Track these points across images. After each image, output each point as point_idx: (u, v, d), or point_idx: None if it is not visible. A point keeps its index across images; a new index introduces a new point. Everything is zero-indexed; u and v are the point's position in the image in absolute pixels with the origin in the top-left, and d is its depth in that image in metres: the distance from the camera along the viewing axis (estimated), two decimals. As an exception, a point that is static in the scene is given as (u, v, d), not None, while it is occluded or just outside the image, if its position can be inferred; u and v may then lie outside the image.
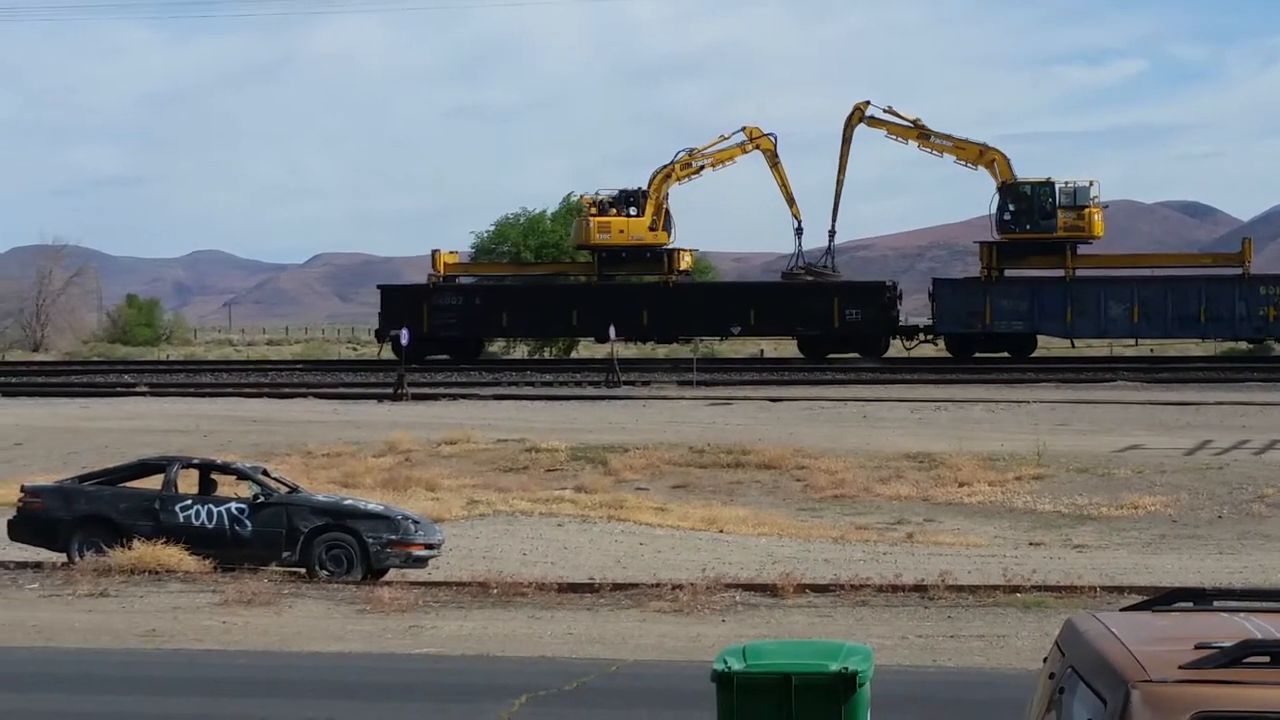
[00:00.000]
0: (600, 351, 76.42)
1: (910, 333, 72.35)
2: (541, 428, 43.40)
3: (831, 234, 74.68)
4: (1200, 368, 64.84)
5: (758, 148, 74.26)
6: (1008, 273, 71.43)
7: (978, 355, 69.12)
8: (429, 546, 25.25)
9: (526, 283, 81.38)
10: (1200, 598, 7.00)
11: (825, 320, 70.29)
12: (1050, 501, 32.80)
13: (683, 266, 75.21)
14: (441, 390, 56.83)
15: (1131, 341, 73.67)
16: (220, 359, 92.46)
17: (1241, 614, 6.62)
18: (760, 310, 72.21)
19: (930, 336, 71.85)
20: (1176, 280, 70.45)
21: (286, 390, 57.51)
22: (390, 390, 55.00)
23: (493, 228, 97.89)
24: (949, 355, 70.37)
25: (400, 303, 74.79)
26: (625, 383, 59.19)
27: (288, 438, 41.72)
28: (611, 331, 64.37)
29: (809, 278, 74.47)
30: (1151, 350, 75.74)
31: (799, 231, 74.92)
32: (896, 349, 72.38)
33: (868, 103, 73.47)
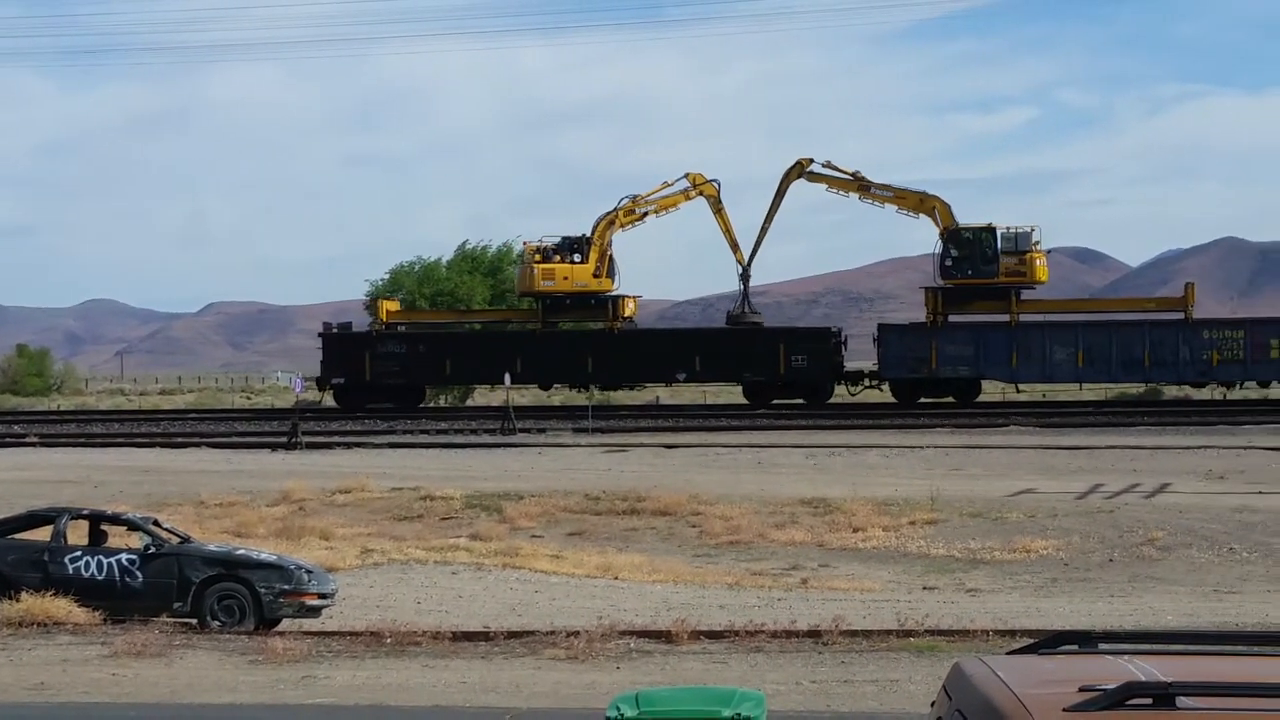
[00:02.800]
0: (496, 399, 76.24)
1: (855, 378, 72.34)
2: (436, 476, 43.27)
3: (746, 278, 74.71)
4: (1091, 412, 65.42)
5: (701, 194, 74.35)
6: (952, 318, 71.60)
7: (923, 400, 69.30)
8: (322, 596, 25.06)
9: (470, 330, 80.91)
10: (1085, 641, 7.04)
11: (771, 366, 70.22)
12: (944, 546, 32.95)
13: (627, 313, 75.02)
14: (336, 439, 56.54)
15: (1076, 386, 74.02)
16: (112, 408, 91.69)
17: (1126, 656, 6.67)
18: (705, 357, 72.03)
19: (875, 382, 71.85)
20: (1121, 325, 70.80)
21: (179, 440, 57.07)
22: (284, 439, 54.67)
23: (387, 275, 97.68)
24: (894, 400, 70.37)
25: (342, 350, 74.20)
26: (521, 430, 59.11)
27: (180, 488, 41.37)
28: (507, 379, 64.21)
29: (755, 319, 74.59)
30: (1104, 393, 76.44)
31: (744, 277, 74.91)
32: (842, 395, 72.46)
33: (810, 160, 73.61)
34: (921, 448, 49.72)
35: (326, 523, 35.69)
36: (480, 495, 39.24)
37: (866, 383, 71.82)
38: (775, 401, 69.93)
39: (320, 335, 75.17)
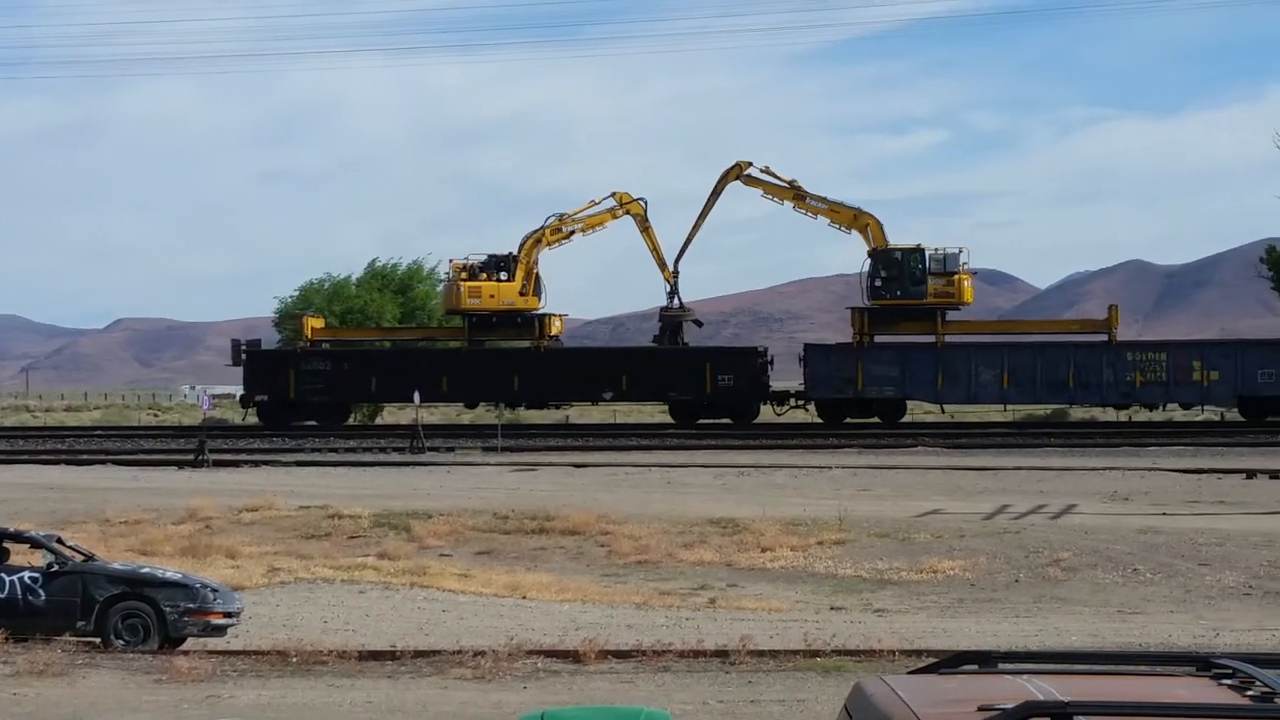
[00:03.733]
0: (406, 418, 76.00)
1: (781, 398, 72.36)
2: (344, 494, 43.09)
3: (675, 274, 74.55)
4: (999, 433, 65.83)
5: (628, 213, 74.37)
6: (878, 338, 71.76)
7: (849, 420, 69.41)
8: (228, 615, 24.89)
9: (396, 348, 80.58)
10: (986, 660, 7.09)
11: (698, 386, 70.25)
12: (851, 566, 33.05)
13: (553, 331, 74.93)
14: (244, 457, 56.23)
15: (1001, 407, 74.44)
16: (17, 425, 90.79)
17: (1026, 676, 6.71)
18: (633, 376, 71.97)
19: (801, 402, 71.87)
20: (1046, 347, 71.31)
21: (85, 457, 56.58)
22: (192, 457, 54.30)
23: (297, 292, 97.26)
24: (820, 421, 70.45)
25: (267, 367, 73.76)
26: (430, 449, 58.94)
27: (85, 505, 40.99)
28: (416, 397, 64.03)
29: (692, 320, 74.50)
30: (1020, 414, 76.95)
31: (672, 294, 74.83)
32: (768, 414, 72.51)
33: (749, 162, 73.73)
34: (829, 468, 49.91)
35: (233, 541, 35.45)
36: (389, 514, 39.08)
37: (792, 403, 71.96)
38: (701, 421, 70.04)
39: (243, 353, 74.68)
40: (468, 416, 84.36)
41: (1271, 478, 46.33)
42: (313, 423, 71.19)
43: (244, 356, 74.00)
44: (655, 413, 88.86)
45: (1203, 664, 6.88)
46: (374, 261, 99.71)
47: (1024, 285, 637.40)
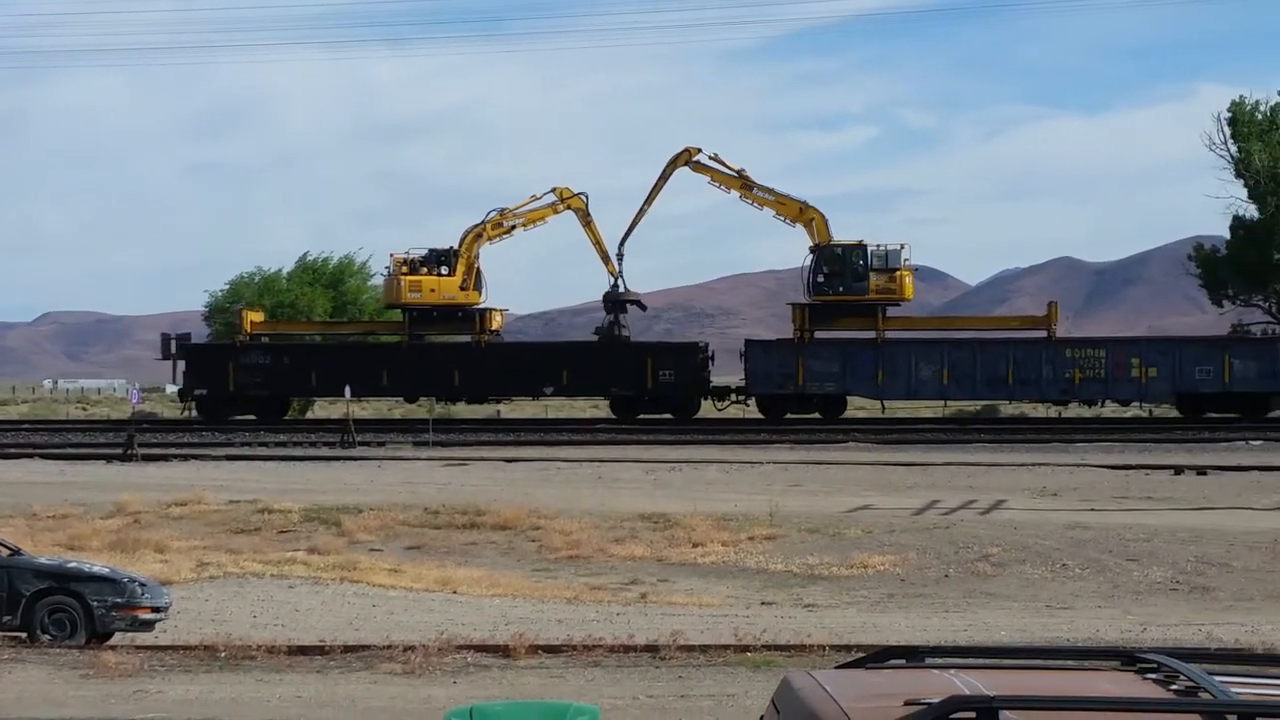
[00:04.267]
0: (339, 412, 75.77)
1: (722, 394, 72.41)
2: (275, 489, 42.92)
3: (620, 256, 74.39)
4: (929, 429, 66.08)
5: (569, 207, 74.09)
6: (819, 334, 71.78)
7: (789, 416, 69.49)
8: (156, 609, 24.77)
9: (336, 342, 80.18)
10: (913, 655, 7.11)
11: (638, 380, 70.12)
12: (782, 561, 33.13)
13: (494, 326, 74.72)
14: (173, 451, 55.91)
15: (941, 403, 74.65)
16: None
17: (953, 671, 6.73)
18: (574, 370, 71.71)
19: (742, 398, 71.92)
20: (986, 343, 71.32)
21: (12, 451, 56.11)
22: (120, 451, 53.98)
23: (227, 286, 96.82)
24: (760, 416, 70.49)
25: (206, 361, 73.36)
26: (361, 443, 58.76)
27: (12, 499, 40.70)
28: (347, 391, 63.78)
29: (635, 302, 74.23)
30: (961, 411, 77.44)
31: (617, 278, 74.59)
32: (708, 409, 72.49)
33: (698, 148, 73.48)
34: (761, 464, 49.98)
35: (162, 536, 35.29)
36: (319, 509, 38.95)
37: (733, 398, 71.98)
38: (642, 416, 70.05)
39: (181, 346, 74.14)
40: (400, 411, 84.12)
41: (1198, 474, 46.66)
42: (252, 416, 70.92)
43: (182, 350, 73.57)
44: (588, 408, 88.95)
45: (1128, 659, 6.93)
46: (305, 255, 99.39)
47: (955, 282, 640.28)
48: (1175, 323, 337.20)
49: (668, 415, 70.01)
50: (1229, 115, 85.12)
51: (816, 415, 69.31)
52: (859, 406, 75.41)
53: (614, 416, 71.63)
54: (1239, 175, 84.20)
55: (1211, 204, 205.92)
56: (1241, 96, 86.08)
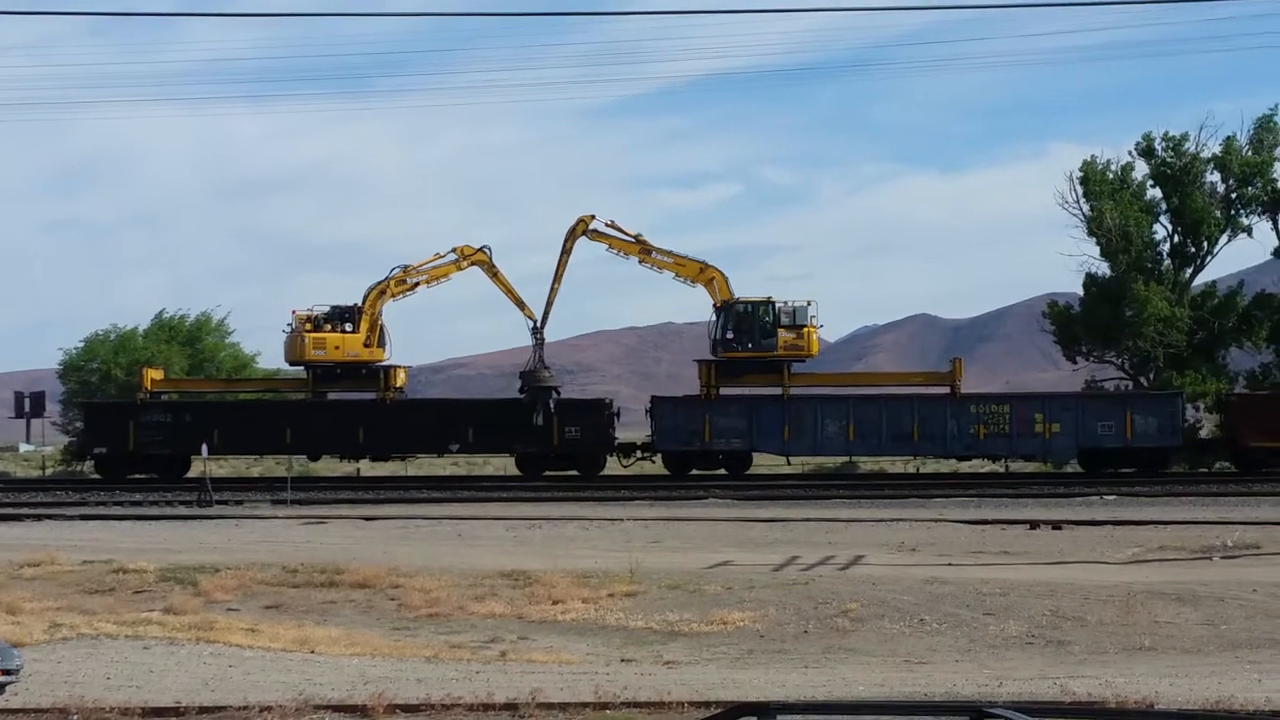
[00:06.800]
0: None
1: (628, 450, 72.39)
2: (130, 548, 42.43)
3: (540, 337, 73.94)
4: (788, 485, 66.43)
5: (473, 263, 74.05)
6: (724, 391, 72.04)
7: (695, 472, 69.62)
8: (7, 672, 24.35)
9: (239, 400, 79.71)
10: (764, 712, 7.17)
11: (544, 438, 70.05)
12: (642, 618, 33.11)
13: (398, 383, 74.40)
14: (25, 510, 55.16)
15: (846, 458, 75.12)
16: None
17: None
18: (479, 428, 71.55)
19: (648, 454, 71.91)
20: (891, 399, 71.79)
21: None
22: (-29, 510, 53.17)
23: (82, 344, 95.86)
24: (667, 473, 70.50)
25: (105, 419, 72.54)
26: (218, 502, 58.24)
27: None
28: (204, 449, 63.28)
29: (548, 377, 73.62)
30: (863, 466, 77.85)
31: (535, 331, 74.31)
32: (614, 466, 72.42)
33: (592, 216, 73.43)
34: (621, 520, 50.03)
35: (13, 597, 34.74)
36: (175, 568, 38.53)
37: (639, 454, 72.08)
38: (548, 473, 70.05)
39: (81, 405, 73.70)
40: (258, 469, 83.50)
41: (1054, 528, 47.21)
42: (153, 475, 70.32)
43: (83, 409, 73.41)
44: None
45: (976, 713, 7.02)
46: (161, 313, 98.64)
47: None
48: (1031, 379, 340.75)
49: (574, 472, 70.09)
50: (1081, 174, 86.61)
51: (723, 471, 69.64)
52: (762, 464, 75.76)
53: (520, 473, 71.58)
54: (1091, 233, 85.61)
55: (1065, 261, 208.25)
56: (1093, 156, 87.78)
